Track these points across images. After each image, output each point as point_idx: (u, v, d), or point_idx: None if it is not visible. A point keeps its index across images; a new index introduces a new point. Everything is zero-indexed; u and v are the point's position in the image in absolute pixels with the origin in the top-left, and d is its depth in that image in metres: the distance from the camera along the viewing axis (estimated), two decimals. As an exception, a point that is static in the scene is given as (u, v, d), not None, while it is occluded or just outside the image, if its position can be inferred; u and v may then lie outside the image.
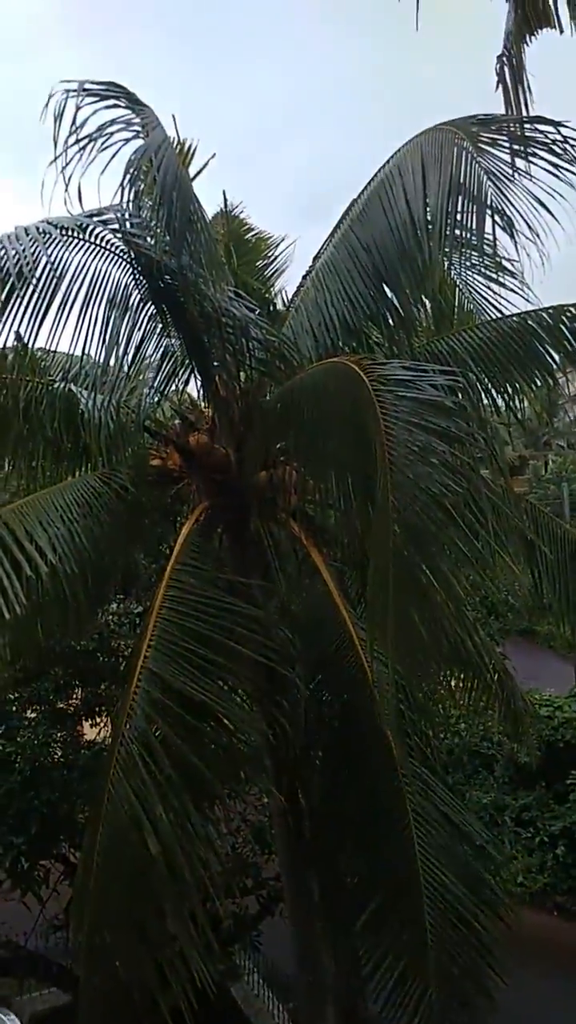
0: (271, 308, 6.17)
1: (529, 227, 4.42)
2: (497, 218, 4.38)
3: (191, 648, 4.44)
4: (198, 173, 5.83)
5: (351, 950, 4.87)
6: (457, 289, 6.22)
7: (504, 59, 5.15)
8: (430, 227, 4.26)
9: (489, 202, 4.06)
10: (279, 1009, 9.70)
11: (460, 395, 3.67)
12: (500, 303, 5.94)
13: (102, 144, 3.88)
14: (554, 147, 4.20)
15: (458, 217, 4.23)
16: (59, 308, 4.32)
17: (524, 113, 5.08)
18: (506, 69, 5.18)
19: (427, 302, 6.09)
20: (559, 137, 4.18)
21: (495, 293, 5.95)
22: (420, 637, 3.31)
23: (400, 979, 4.40)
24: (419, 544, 3.33)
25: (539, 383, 5.53)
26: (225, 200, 6.03)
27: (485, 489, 3.38)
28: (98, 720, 8.10)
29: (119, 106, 4.22)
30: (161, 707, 4.22)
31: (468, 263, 5.90)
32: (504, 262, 5.62)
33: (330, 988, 5.21)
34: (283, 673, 4.70)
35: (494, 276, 5.62)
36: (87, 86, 3.86)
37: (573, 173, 4.09)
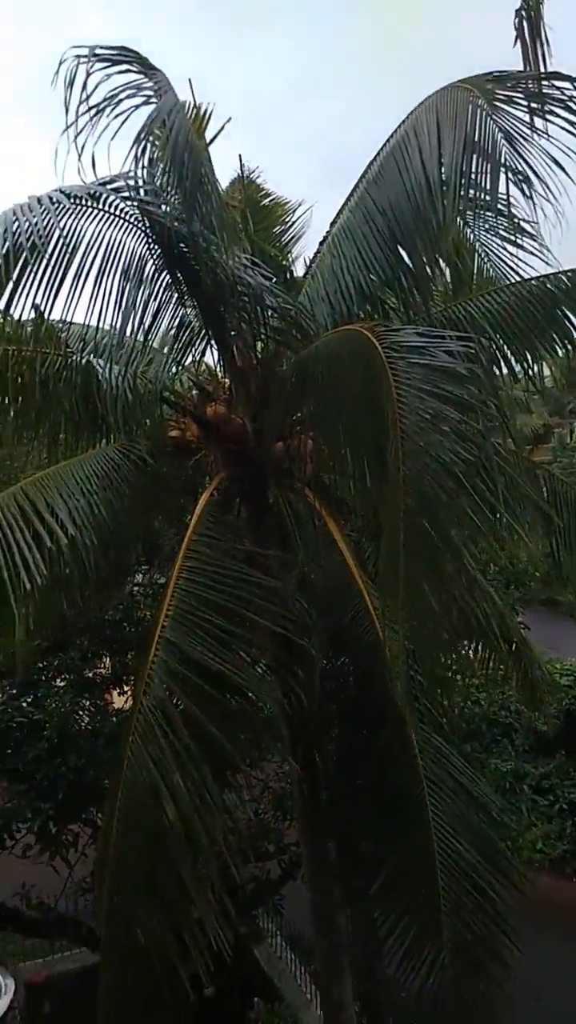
0: (288, 275, 6.09)
1: (546, 186, 4.33)
2: (513, 176, 4.29)
3: (208, 618, 4.48)
4: (214, 138, 5.73)
5: (367, 914, 4.94)
6: (476, 254, 6.10)
7: (523, 13, 4.97)
8: (444, 187, 4.17)
9: (503, 160, 3.95)
10: (302, 971, 9.91)
11: (475, 362, 3.60)
12: (520, 267, 5.84)
13: (113, 110, 3.83)
14: (571, 104, 4.07)
15: (472, 176, 4.13)
16: (74, 278, 4.30)
17: (543, 70, 4.92)
18: (524, 24, 5.00)
19: (445, 266, 6.01)
20: (577, 93, 4.05)
21: (514, 256, 5.83)
22: (430, 606, 3.30)
23: (414, 943, 4.47)
24: (430, 513, 3.31)
25: (560, 349, 5.44)
26: (241, 165, 5.94)
27: (496, 457, 3.33)
28: (125, 689, 8.24)
29: (131, 71, 4.16)
30: (179, 676, 4.27)
31: (486, 226, 5.79)
32: (523, 224, 5.53)
33: (347, 950, 5.30)
34: (299, 643, 4.72)
35: (512, 238, 5.50)
36: (98, 51, 3.80)
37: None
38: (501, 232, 5.71)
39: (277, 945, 10.44)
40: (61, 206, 3.85)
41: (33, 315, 4.47)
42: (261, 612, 4.66)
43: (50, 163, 3.90)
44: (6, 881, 8.32)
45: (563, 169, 4.01)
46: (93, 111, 3.80)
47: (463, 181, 4.14)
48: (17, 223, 3.65)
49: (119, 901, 3.90)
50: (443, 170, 4.25)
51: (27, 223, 3.65)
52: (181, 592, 4.53)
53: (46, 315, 4.30)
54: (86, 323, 4.83)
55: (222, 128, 5.50)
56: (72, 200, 3.94)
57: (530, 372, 5.65)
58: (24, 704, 7.31)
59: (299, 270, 6.20)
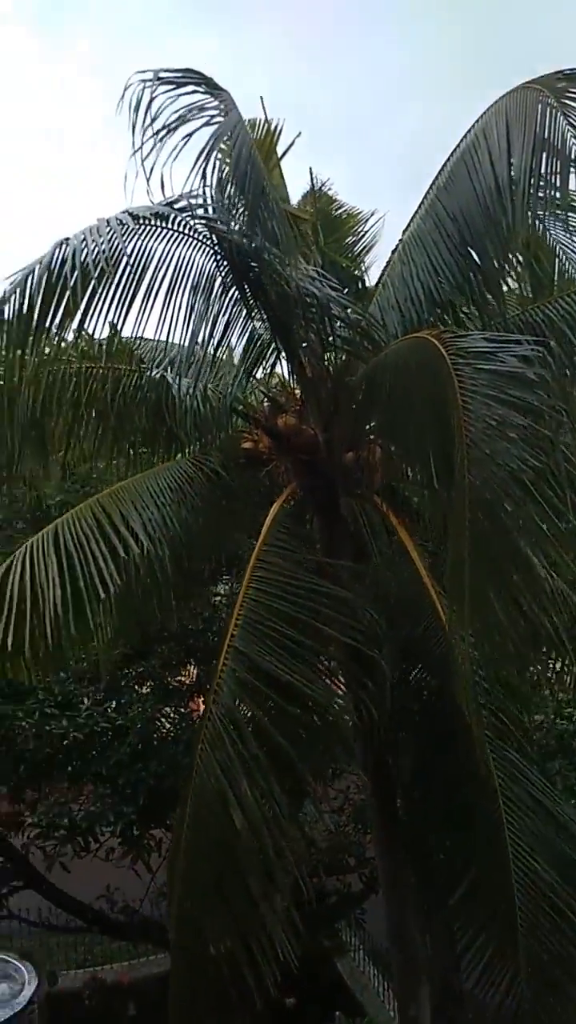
0: (360, 285, 6.10)
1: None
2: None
3: (278, 628, 4.50)
4: (284, 153, 5.83)
5: (444, 929, 4.84)
6: (556, 256, 5.94)
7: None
8: (513, 188, 4.09)
9: (574, 156, 3.85)
10: (385, 987, 9.76)
11: (544, 366, 3.50)
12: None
13: (178, 130, 3.93)
14: None
15: (544, 175, 4.03)
16: (144, 295, 4.42)
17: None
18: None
19: (520, 269, 5.87)
20: None
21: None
22: (497, 616, 3.23)
23: (491, 960, 4.36)
24: (495, 521, 3.24)
25: None
26: (312, 178, 5.99)
27: (567, 464, 3.23)
28: (211, 696, 8.35)
29: (197, 91, 4.26)
30: (247, 685, 4.30)
31: (566, 227, 5.63)
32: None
33: (424, 965, 5.20)
34: (369, 655, 4.67)
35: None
36: (162, 75, 3.92)
37: None
38: (581, 232, 5.55)
39: (360, 959, 10.32)
40: (128, 227, 3.97)
41: (107, 332, 4.63)
42: (331, 623, 4.65)
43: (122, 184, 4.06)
44: (91, 884, 8.53)
45: None
46: (160, 133, 3.91)
47: (532, 180, 4.05)
48: (86, 245, 3.79)
49: (188, 907, 3.95)
50: (512, 170, 4.17)
51: (95, 245, 3.78)
52: (250, 602, 4.56)
53: (119, 332, 4.43)
54: (157, 338, 4.95)
55: (292, 143, 5.59)
56: (139, 221, 4.06)
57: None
58: (108, 710, 7.50)
59: (372, 279, 6.20)
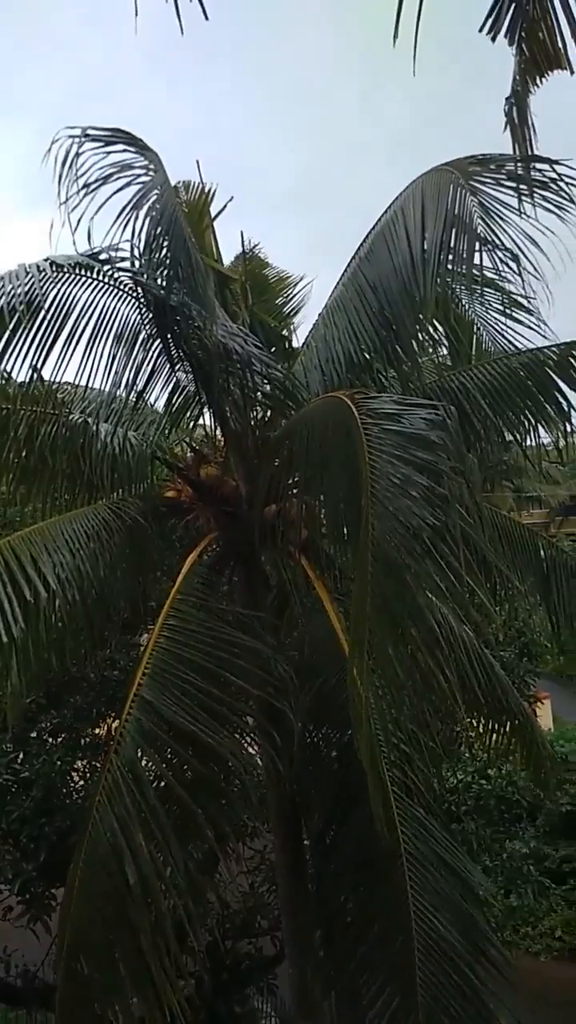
0: (287, 345, 6.28)
1: (532, 263, 4.46)
2: (500, 254, 4.43)
3: (187, 678, 4.47)
4: (217, 214, 6.02)
5: (348, 990, 4.76)
6: (474, 327, 6.24)
7: (512, 100, 5.20)
8: (425, 256, 4.32)
9: (484, 236, 4.09)
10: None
11: (446, 430, 3.66)
12: (516, 340, 5.96)
13: (105, 186, 4.05)
14: (551, 185, 4.22)
15: (455, 251, 4.27)
16: (66, 341, 4.48)
17: (531, 153, 5.12)
18: (514, 110, 5.23)
19: (441, 339, 6.15)
20: (555, 175, 4.20)
21: (510, 330, 5.97)
22: (395, 672, 3.29)
23: (393, 1019, 4.30)
24: (396, 576, 3.33)
25: (552, 419, 5.49)
26: (243, 241, 6.19)
27: (461, 523, 3.35)
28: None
29: (127, 151, 4.40)
30: (152, 737, 4.25)
31: (481, 300, 5.94)
32: (517, 299, 5.67)
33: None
34: (280, 708, 4.68)
35: (506, 312, 5.63)
36: (90, 131, 4.05)
37: (567, 210, 4.10)
38: (494, 306, 5.86)
39: (272, 1029, 9.99)
40: (47, 275, 4.04)
41: (29, 375, 4.66)
42: (243, 675, 4.65)
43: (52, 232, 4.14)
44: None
45: (540, 248, 4.13)
46: (87, 187, 4.02)
47: (444, 255, 4.28)
48: (2, 290, 3.84)
49: (77, 966, 3.81)
50: (425, 244, 4.40)
51: (12, 289, 3.83)
52: (160, 651, 4.54)
53: (40, 375, 4.46)
54: (76, 383, 5.00)
55: (224, 207, 5.78)
56: (60, 269, 4.14)
57: (524, 442, 5.73)
58: (14, 762, 7.25)
59: (300, 340, 6.39)
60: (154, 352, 4.94)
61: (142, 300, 4.56)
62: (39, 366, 4.37)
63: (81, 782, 7.70)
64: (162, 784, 4.27)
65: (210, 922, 7.24)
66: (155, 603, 6.93)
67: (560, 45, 5.37)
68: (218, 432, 5.84)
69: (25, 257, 4.00)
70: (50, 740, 7.81)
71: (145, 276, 4.33)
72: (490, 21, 4.84)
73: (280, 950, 8.57)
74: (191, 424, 5.76)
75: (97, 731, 8.36)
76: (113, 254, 4.22)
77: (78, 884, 3.86)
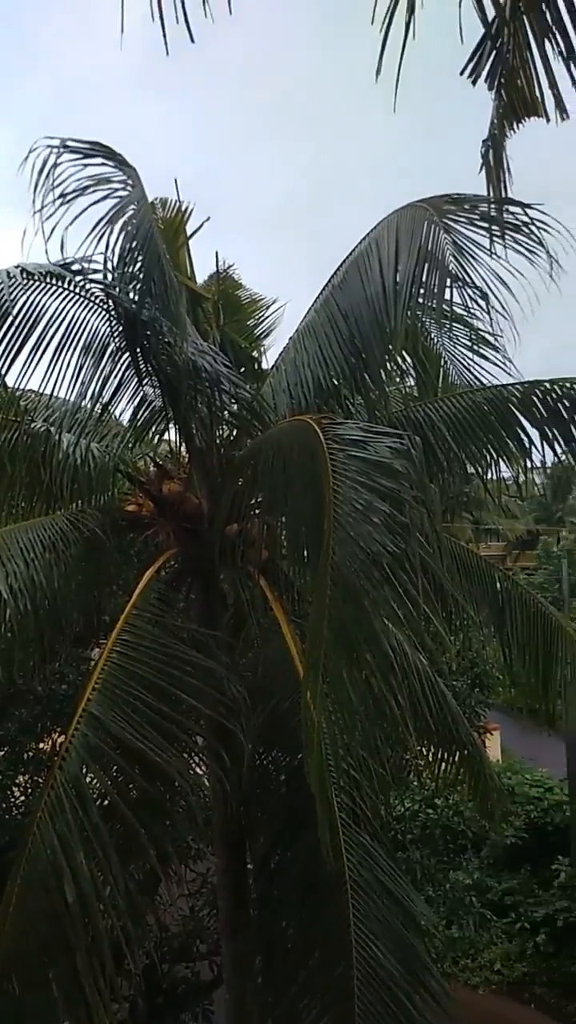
0: (256, 366, 6.32)
1: (499, 301, 4.58)
2: (470, 291, 4.54)
3: (137, 695, 4.42)
4: (193, 233, 6.07)
5: (286, 1018, 4.70)
6: (442, 361, 6.36)
7: (488, 143, 5.35)
8: (397, 289, 4.40)
9: (456, 272, 4.18)
10: None
11: (409, 459, 3.71)
12: (482, 375, 6.08)
13: (81, 198, 4.06)
14: (523, 228, 4.34)
15: (425, 285, 4.36)
16: (32, 349, 4.45)
17: (505, 196, 5.26)
18: (490, 153, 5.37)
19: (409, 370, 6.26)
20: (527, 219, 4.32)
21: (476, 365, 6.09)
22: (349, 695, 3.30)
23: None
24: (354, 601, 3.35)
25: (514, 454, 5.60)
26: (217, 261, 6.24)
27: (420, 551, 3.39)
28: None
29: (106, 164, 4.42)
30: (98, 754, 4.19)
31: (450, 335, 6.05)
32: (485, 336, 5.80)
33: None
34: (231, 728, 4.64)
35: (473, 347, 5.75)
36: (68, 143, 4.07)
37: (537, 254, 4.22)
38: (462, 341, 5.98)
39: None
40: (17, 282, 4.02)
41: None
42: (195, 694, 4.61)
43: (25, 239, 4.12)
44: None
45: (508, 288, 4.24)
46: (62, 197, 4.02)
47: (414, 289, 4.36)
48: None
49: (10, 987, 3.70)
50: (397, 277, 4.48)
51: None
52: (112, 665, 4.49)
53: (3, 382, 4.42)
54: (41, 391, 4.97)
55: (201, 226, 5.83)
56: (30, 277, 4.13)
57: (485, 476, 5.82)
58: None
59: (269, 363, 6.44)
60: (122, 365, 4.93)
61: (113, 312, 4.56)
62: (3, 372, 4.33)
63: (22, 797, 7.54)
64: (106, 802, 4.20)
65: (148, 944, 7.09)
66: (109, 617, 6.86)
67: (537, 93, 5.55)
68: (183, 448, 5.84)
69: (-2, 262, 3.97)
70: (-8, 754, 7.65)
71: (117, 289, 4.34)
72: (471, 65, 4.99)
73: (217, 975, 8.44)
74: (156, 439, 5.75)
75: (41, 746, 8.20)
76: (86, 265, 4.22)
77: (14, 901, 3.76)
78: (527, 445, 5.51)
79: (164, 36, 3.33)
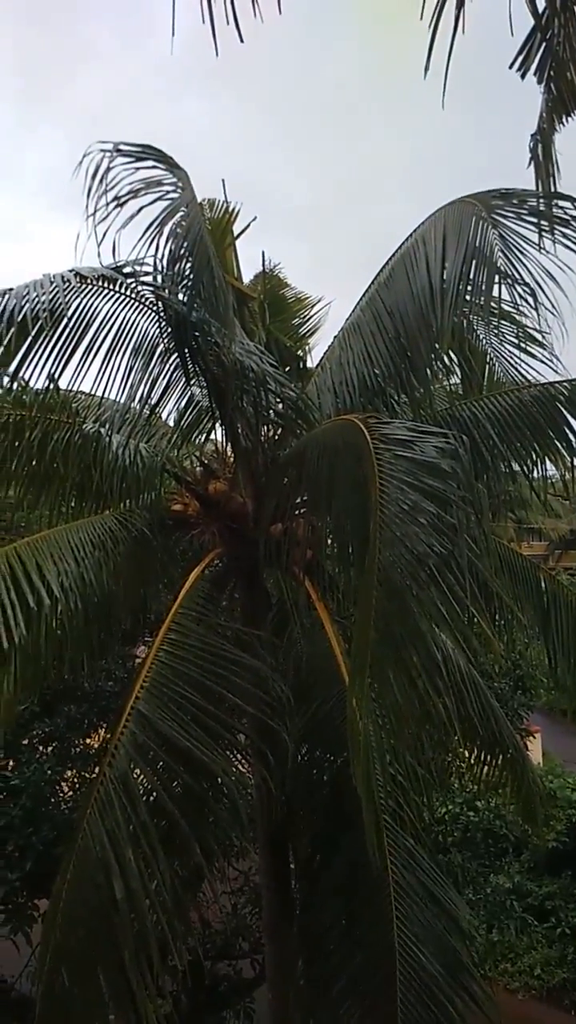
0: (301, 365, 6.32)
1: (553, 298, 4.51)
2: (518, 288, 4.47)
3: (184, 694, 4.46)
4: (240, 233, 6.09)
5: (327, 1020, 4.70)
6: (488, 358, 6.29)
7: (537, 137, 5.26)
8: (445, 290, 4.36)
9: (503, 269, 4.13)
10: None
11: (458, 459, 3.67)
12: (528, 372, 6.00)
13: (133, 201, 4.10)
14: (571, 222, 4.27)
15: (473, 282, 4.31)
16: (85, 351, 4.52)
17: (554, 190, 5.17)
18: (539, 147, 5.29)
19: (454, 368, 6.20)
20: (576, 213, 4.25)
21: (523, 362, 6.01)
22: (395, 697, 3.28)
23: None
24: (400, 602, 3.33)
25: (560, 453, 5.51)
26: (264, 261, 6.26)
27: (469, 553, 3.36)
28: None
29: (157, 167, 4.45)
30: (146, 751, 4.23)
31: (496, 332, 5.98)
32: (532, 332, 5.72)
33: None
34: (276, 728, 4.66)
35: (520, 345, 5.68)
36: (121, 147, 4.11)
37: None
38: (509, 338, 5.91)
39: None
40: (71, 285, 4.08)
41: (46, 383, 4.68)
42: (240, 693, 4.63)
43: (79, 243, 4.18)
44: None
45: (558, 284, 4.17)
46: (116, 201, 4.06)
47: (462, 286, 4.32)
48: (28, 298, 3.87)
49: (58, 980, 3.76)
50: (445, 275, 4.44)
51: (37, 297, 3.87)
52: (159, 664, 4.53)
53: (57, 384, 4.48)
54: (93, 393, 5.03)
55: (248, 226, 5.85)
56: (84, 280, 4.18)
57: (531, 475, 5.74)
58: (4, 769, 7.21)
59: (314, 361, 6.44)
60: (170, 366, 4.97)
61: (162, 314, 4.60)
62: (57, 375, 4.40)
63: (69, 792, 7.66)
64: (152, 798, 4.24)
65: (191, 941, 7.16)
66: (154, 616, 6.94)
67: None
68: (228, 448, 5.86)
69: (49, 264, 4.03)
70: (41, 749, 7.78)
71: (167, 291, 4.37)
72: (520, 58, 4.92)
73: (259, 973, 8.48)
74: (202, 439, 5.78)
75: (88, 741, 8.32)
76: (137, 268, 4.27)
77: (64, 896, 3.83)
78: (574, 443, 5.42)
79: (214, 35, 3.35)
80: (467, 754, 6.57)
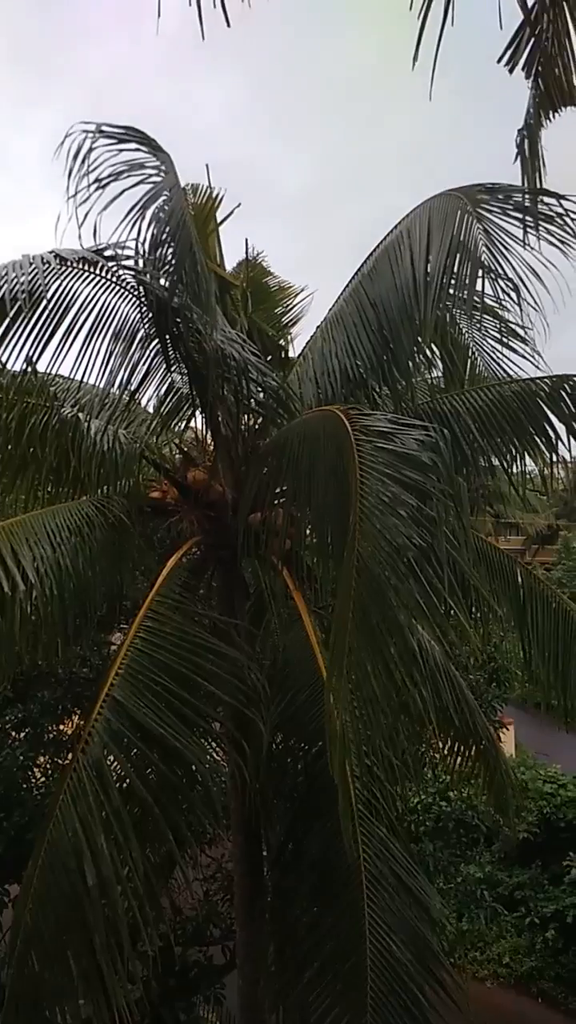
0: (283, 355, 6.29)
1: (535, 294, 4.52)
2: (501, 283, 4.48)
3: (160, 681, 4.45)
4: (224, 219, 6.04)
5: (297, 1006, 4.73)
6: (470, 352, 6.30)
7: (524, 132, 5.27)
8: (428, 279, 4.36)
9: (487, 264, 4.14)
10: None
11: (438, 452, 3.68)
12: (509, 368, 6.03)
13: (115, 183, 4.05)
14: (556, 219, 4.28)
15: (456, 276, 4.31)
16: (64, 335, 4.47)
17: (539, 185, 5.18)
18: (526, 142, 5.30)
19: (438, 362, 6.20)
20: (561, 210, 4.26)
21: (504, 357, 6.04)
22: (372, 687, 3.30)
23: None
24: (379, 594, 3.34)
25: (540, 448, 5.54)
26: (247, 248, 6.21)
27: (447, 545, 3.37)
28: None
29: (140, 150, 4.40)
30: (120, 738, 4.22)
31: (479, 326, 6.00)
32: (514, 328, 5.74)
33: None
34: (251, 717, 4.66)
35: (502, 340, 5.70)
36: (103, 128, 4.05)
37: (570, 246, 4.16)
38: (491, 333, 5.93)
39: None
40: (51, 267, 4.03)
41: (24, 366, 4.63)
42: (216, 681, 4.63)
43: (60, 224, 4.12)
44: None
45: (541, 280, 4.18)
46: (98, 182, 4.01)
47: (445, 280, 4.32)
48: (6, 278, 3.82)
49: (28, 964, 3.75)
50: (428, 267, 4.44)
51: (15, 279, 3.81)
52: (135, 651, 4.51)
53: (35, 367, 4.43)
54: (72, 377, 4.98)
55: (231, 212, 5.80)
56: (64, 263, 4.13)
57: (510, 469, 5.77)
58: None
59: (296, 351, 6.41)
60: (151, 352, 4.93)
61: (144, 299, 4.56)
62: (35, 357, 4.34)
63: (42, 778, 7.64)
64: (126, 785, 4.24)
65: (163, 927, 7.17)
66: (131, 603, 6.91)
67: (574, 82, 5.47)
68: (208, 436, 5.84)
69: (34, 247, 3.98)
70: (14, 734, 7.74)
71: (148, 276, 4.33)
72: (508, 53, 4.91)
73: (230, 960, 8.52)
74: (182, 426, 5.75)
75: (61, 728, 8.29)
76: (119, 252, 4.22)
77: (36, 881, 3.81)
78: (554, 440, 5.46)
79: (200, 19, 3.32)
80: (441, 745, 6.62)
